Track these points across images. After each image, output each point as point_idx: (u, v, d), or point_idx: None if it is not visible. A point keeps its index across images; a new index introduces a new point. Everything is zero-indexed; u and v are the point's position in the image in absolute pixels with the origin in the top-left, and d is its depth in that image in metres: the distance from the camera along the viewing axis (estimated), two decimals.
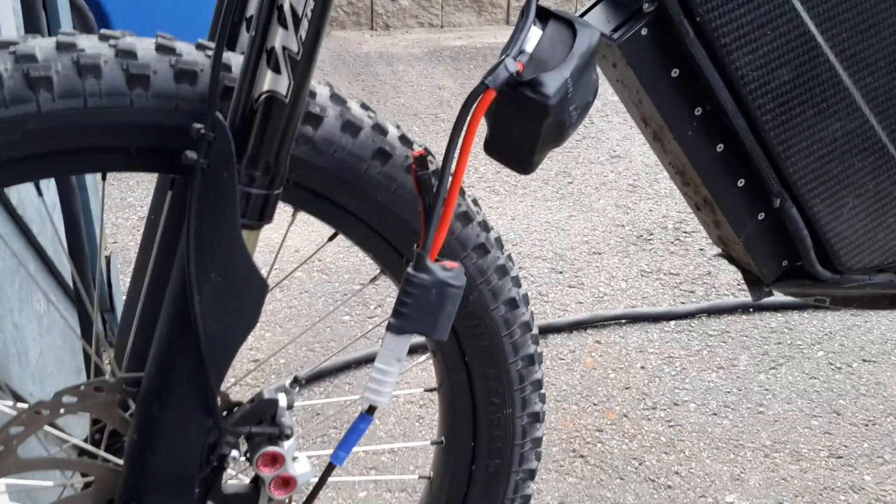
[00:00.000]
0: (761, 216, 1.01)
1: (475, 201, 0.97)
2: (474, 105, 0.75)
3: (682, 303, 2.11)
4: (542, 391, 1.06)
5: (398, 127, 0.92)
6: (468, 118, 0.76)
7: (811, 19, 0.91)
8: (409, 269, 0.77)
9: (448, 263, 0.78)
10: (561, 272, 2.24)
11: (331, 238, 0.95)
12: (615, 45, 0.90)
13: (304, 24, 0.72)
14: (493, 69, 0.75)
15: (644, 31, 0.90)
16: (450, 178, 0.77)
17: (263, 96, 0.74)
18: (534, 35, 0.78)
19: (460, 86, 3.43)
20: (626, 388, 1.81)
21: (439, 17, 4.14)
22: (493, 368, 1.00)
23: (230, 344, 0.80)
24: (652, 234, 2.41)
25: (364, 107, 0.89)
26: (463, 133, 0.76)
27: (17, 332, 1.24)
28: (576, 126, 0.82)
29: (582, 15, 0.97)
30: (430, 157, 0.79)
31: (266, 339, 1.97)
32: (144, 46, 0.79)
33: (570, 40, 0.79)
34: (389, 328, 0.77)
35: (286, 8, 0.72)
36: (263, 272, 0.79)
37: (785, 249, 1.04)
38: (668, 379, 1.84)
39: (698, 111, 0.95)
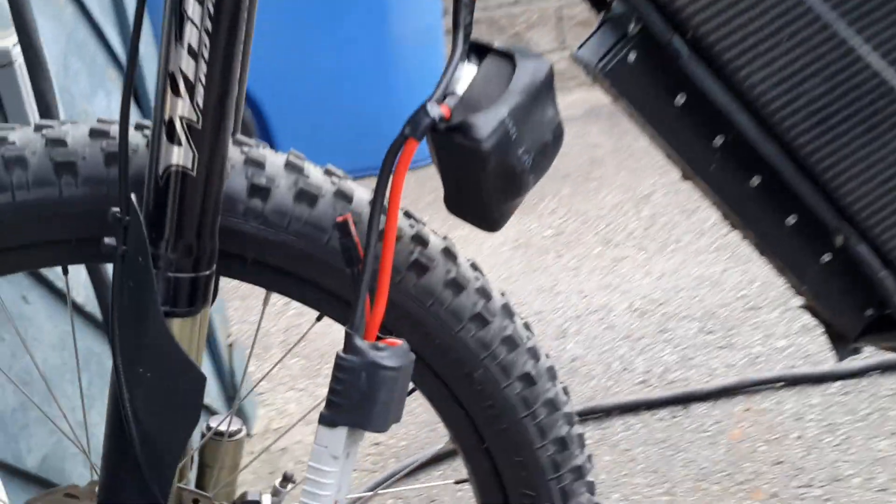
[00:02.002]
0: (826, 258, 0.84)
1: (474, 265, 0.86)
2: (396, 159, 0.66)
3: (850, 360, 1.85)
4: (590, 479, 0.92)
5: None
6: (391, 174, 0.66)
7: (840, 17, 0.74)
8: (339, 352, 0.68)
9: (389, 341, 0.68)
10: (710, 332, 2.03)
11: (318, 319, 0.87)
12: (601, 76, 0.78)
13: (200, 91, 0.66)
14: (413, 116, 0.66)
15: (631, 57, 0.77)
16: (378, 244, 0.68)
17: (169, 172, 0.68)
18: (467, 73, 0.68)
19: (615, 142, 3.29)
20: (779, 463, 1.59)
21: None
22: (519, 455, 0.88)
23: (172, 444, 0.74)
24: None
25: (329, 173, 0.81)
26: (388, 190, 0.67)
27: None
28: (535, 172, 0.70)
29: (579, 48, 0.85)
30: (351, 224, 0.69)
31: None
32: (77, 133, 0.76)
33: (510, 75, 0.68)
34: (321, 420, 0.68)
35: (177, 74, 0.66)
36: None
37: (865, 295, 0.85)
38: (829, 450, 1.60)
39: (718, 141, 0.80)
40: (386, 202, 0.67)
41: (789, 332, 1.99)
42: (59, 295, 1.20)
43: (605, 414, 1.79)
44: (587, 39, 0.85)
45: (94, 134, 0.76)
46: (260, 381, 2.05)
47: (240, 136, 0.80)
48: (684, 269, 2.34)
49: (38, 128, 0.76)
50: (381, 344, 0.67)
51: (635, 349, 2.01)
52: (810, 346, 1.93)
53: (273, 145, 3.06)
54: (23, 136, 0.75)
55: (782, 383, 1.81)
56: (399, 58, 3.24)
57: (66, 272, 0.83)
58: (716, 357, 1.94)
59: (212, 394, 1.83)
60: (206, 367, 1.83)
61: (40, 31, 1.30)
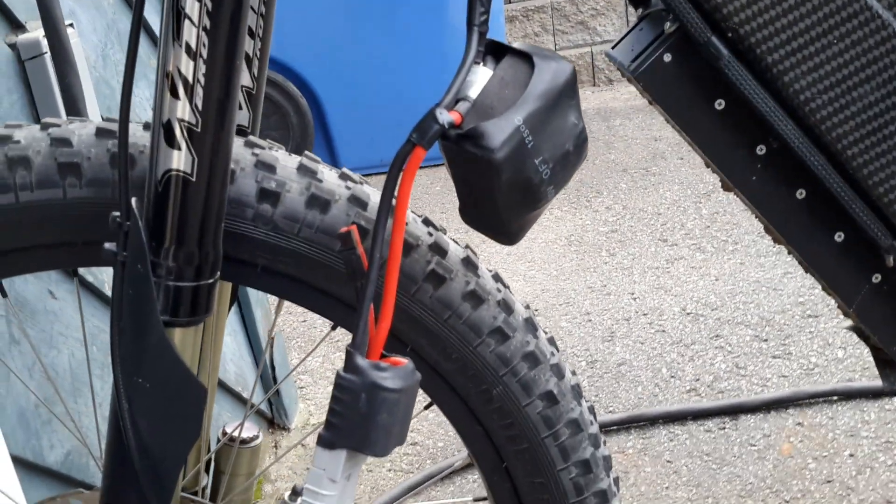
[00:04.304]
0: (876, 278, 0.77)
1: (497, 276, 0.82)
2: (402, 167, 0.62)
3: None
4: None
5: None
6: (398, 182, 0.62)
7: None
8: (339, 370, 0.64)
9: (393, 360, 0.64)
10: (765, 340, 1.95)
11: (332, 328, 0.84)
12: (634, 78, 0.73)
13: (199, 92, 0.63)
14: (421, 122, 0.62)
15: (667, 58, 0.72)
16: (381, 256, 0.64)
17: (167, 177, 0.65)
18: (481, 77, 0.64)
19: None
20: (828, 482, 1.51)
21: None
22: (540, 477, 0.84)
23: (171, 456, 0.71)
24: None
25: (344, 176, 0.78)
26: (393, 200, 0.63)
27: None
28: (554, 183, 0.65)
29: (613, 48, 0.80)
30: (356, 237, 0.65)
31: (429, 419, 1.87)
32: (84, 132, 0.74)
33: (528, 79, 0.63)
34: (319, 441, 0.64)
35: (175, 75, 0.63)
36: None
37: None
38: (883, 470, 1.51)
39: (761, 150, 0.74)
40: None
41: (848, 342, 1.90)
42: (88, 289, 1.19)
43: (650, 423, 1.73)
44: (623, 38, 0.80)
45: (101, 133, 0.73)
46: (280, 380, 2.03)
47: (252, 138, 0.77)
48: (742, 272, 2.25)
49: (44, 126, 0.74)
50: (383, 364, 0.63)
51: (685, 355, 1.94)
52: (870, 357, 1.83)
53: (329, 134, 3.03)
54: (28, 135, 0.73)
55: (837, 397, 1.72)
56: (457, 47, 3.20)
57: (75, 274, 0.81)
58: (770, 366, 1.86)
59: (250, 387, 1.82)
60: (247, 361, 1.82)
61: (80, 21, 1.29)
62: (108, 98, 1.32)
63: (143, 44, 1.49)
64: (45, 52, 1.09)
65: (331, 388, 0.66)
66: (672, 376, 1.87)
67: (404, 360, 0.64)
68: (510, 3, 3.89)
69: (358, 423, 0.63)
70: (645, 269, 2.34)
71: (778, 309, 2.06)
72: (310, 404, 1.98)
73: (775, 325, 2.00)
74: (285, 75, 3.22)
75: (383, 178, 0.65)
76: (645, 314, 2.12)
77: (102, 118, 0.76)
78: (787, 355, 1.89)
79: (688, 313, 2.11)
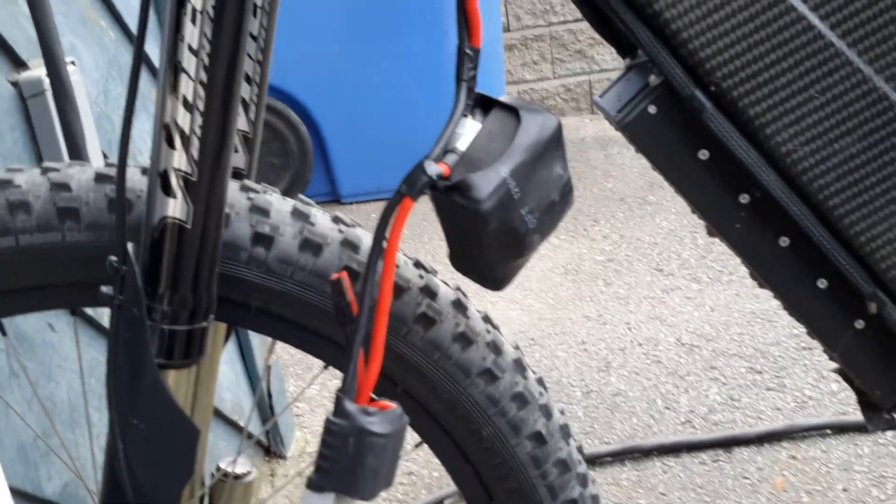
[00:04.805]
0: (859, 324, 0.79)
1: (486, 318, 0.83)
2: (392, 217, 0.64)
3: None
4: None
5: None
6: (387, 232, 0.64)
7: (879, 72, 0.70)
8: (329, 415, 0.65)
9: (382, 405, 0.66)
10: (760, 372, 1.96)
11: (325, 368, 0.85)
12: (620, 128, 0.75)
13: (195, 143, 0.65)
14: (410, 173, 0.63)
15: (652, 109, 0.73)
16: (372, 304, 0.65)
17: (163, 224, 0.67)
18: (469, 129, 0.66)
19: None
20: None
21: None
22: None
23: (165, 496, 0.72)
24: None
25: (336, 220, 0.79)
26: (383, 248, 0.64)
27: None
28: (540, 231, 0.67)
29: (601, 96, 0.82)
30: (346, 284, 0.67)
31: (425, 449, 1.87)
32: (83, 177, 0.75)
33: (515, 132, 0.65)
34: (308, 485, 0.65)
35: (172, 126, 0.65)
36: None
37: None
38: None
39: (744, 199, 0.75)
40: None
41: None
42: (86, 321, 1.20)
43: (644, 454, 1.73)
44: (610, 87, 0.81)
45: (100, 178, 0.75)
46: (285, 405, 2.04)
47: (248, 182, 0.79)
48: (737, 303, 2.26)
49: (44, 171, 0.76)
50: (371, 408, 0.64)
51: (680, 386, 1.95)
52: None
53: (328, 160, 3.03)
54: (28, 180, 0.75)
55: (831, 430, 1.73)
56: None
57: (73, 314, 0.83)
58: (764, 399, 1.87)
59: (246, 415, 1.82)
60: (244, 389, 1.83)
61: (81, 58, 1.31)
62: (109, 133, 1.34)
63: (144, 77, 1.51)
64: (47, 90, 1.11)
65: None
66: (667, 408, 1.88)
67: (393, 404, 0.66)
68: (508, 31, 3.92)
69: (346, 467, 0.64)
70: (641, 299, 2.36)
71: (772, 341, 2.07)
72: (306, 432, 1.99)
73: (770, 357, 2.01)
74: (284, 102, 3.25)
75: (382, 204, 0.67)
76: (640, 344, 2.13)
77: (104, 157, 0.77)
78: (781, 388, 1.90)
79: (683, 344, 2.12)
